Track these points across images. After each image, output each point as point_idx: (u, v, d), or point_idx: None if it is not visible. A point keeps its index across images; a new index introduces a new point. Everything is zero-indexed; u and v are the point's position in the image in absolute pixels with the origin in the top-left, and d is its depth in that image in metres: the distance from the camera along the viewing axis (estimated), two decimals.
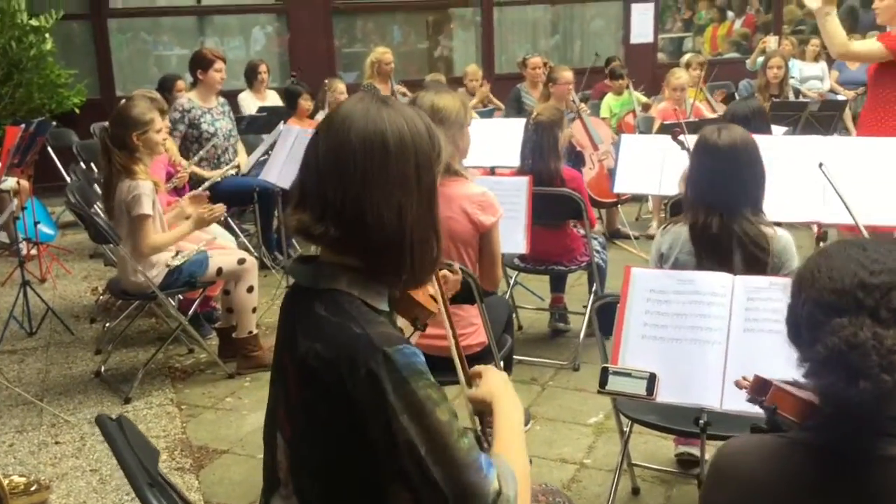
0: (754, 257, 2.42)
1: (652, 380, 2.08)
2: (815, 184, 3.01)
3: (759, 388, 1.45)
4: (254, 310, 4.21)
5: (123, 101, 4.16)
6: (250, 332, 4.21)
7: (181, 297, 4.49)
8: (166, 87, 6.15)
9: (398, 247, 1.39)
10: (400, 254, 1.39)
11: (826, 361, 1.19)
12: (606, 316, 2.41)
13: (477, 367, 1.66)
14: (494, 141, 4.65)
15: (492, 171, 4.83)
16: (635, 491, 2.96)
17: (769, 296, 2.08)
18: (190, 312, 4.21)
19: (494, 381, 1.60)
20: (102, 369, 4.17)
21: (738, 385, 1.68)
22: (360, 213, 1.36)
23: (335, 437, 1.37)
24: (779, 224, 2.53)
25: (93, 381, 4.12)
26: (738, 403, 1.89)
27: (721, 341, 2.09)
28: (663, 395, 2.09)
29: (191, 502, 1.53)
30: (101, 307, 5.00)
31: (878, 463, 1.21)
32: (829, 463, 1.24)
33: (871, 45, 4.27)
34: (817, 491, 1.24)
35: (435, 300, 1.64)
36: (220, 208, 4.10)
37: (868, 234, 2.63)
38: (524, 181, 3.69)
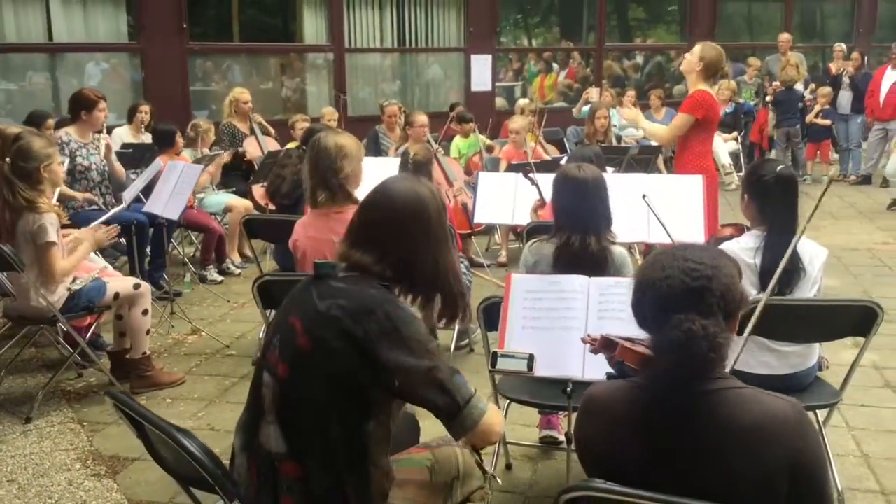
0: (601, 268, 3.08)
1: (531, 359, 2.66)
2: (639, 211, 3.78)
3: (608, 346, 2.02)
4: (147, 332, 4.50)
5: (15, 138, 4.34)
6: (144, 353, 4.48)
7: (65, 329, 4.67)
8: (34, 122, 6.25)
9: (432, 283, 2.07)
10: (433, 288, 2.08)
11: (670, 346, 1.68)
12: (490, 314, 3.00)
13: None
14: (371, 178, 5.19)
15: None
16: (508, 466, 3.55)
17: (616, 292, 2.73)
18: (87, 336, 4.44)
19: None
20: None
21: (583, 341, 2.18)
22: (411, 263, 2.00)
23: (338, 364, 1.89)
24: (612, 242, 3.21)
25: None
26: (596, 373, 2.49)
27: (581, 328, 2.72)
28: (540, 371, 2.67)
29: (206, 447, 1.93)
30: None
31: (700, 395, 1.72)
32: (667, 398, 1.74)
33: (678, 120, 5.10)
34: (660, 418, 1.74)
35: None
36: (114, 229, 4.37)
37: None
38: None
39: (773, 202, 3.14)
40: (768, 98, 11.23)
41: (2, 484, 3.47)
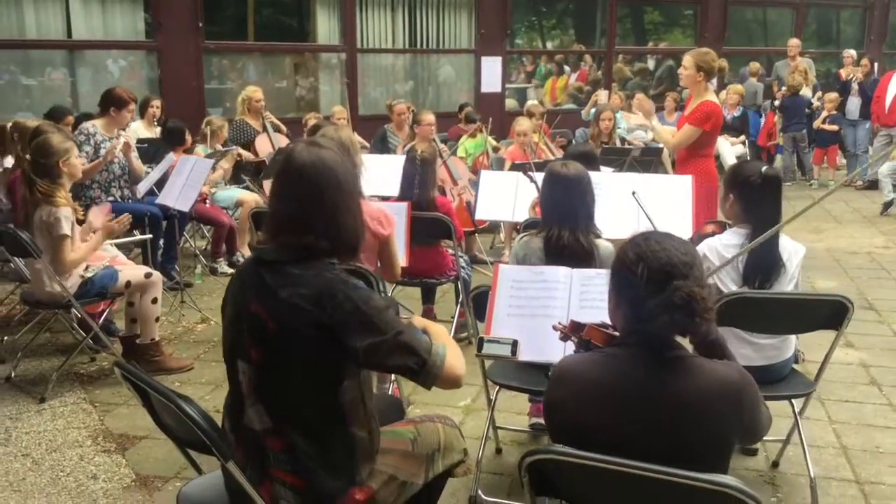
0: (585, 261, 3.23)
1: (515, 345, 2.81)
2: (630, 208, 3.93)
3: (576, 328, 2.20)
4: (157, 319, 4.68)
5: (34, 132, 4.55)
6: (153, 339, 4.67)
7: (79, 315, 4.86)
8: (55, 117, 6.45)
9: (356, 235, 2.15)
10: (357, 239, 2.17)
11: (667, 307, 1.83)
12: (479, 303, 3.15)
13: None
14: (378, 173, 5.37)
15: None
16: (498, 451, 3.71)
17: (597, 283, 2.88)
18: (100, 321, 4.63)
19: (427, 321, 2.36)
20: (12, 374, 4.51)
21: (554, 328, 2.35)
22: (340, 225, 2.10)
23: (309, 349, 2.02)
24: (597, 236, 3.36)
25: (3, 386, 4.45)
26: None
27: (564, 316, 2.86)
28: (523, 355, 2.83)
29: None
30: (1, 322, 5.28)
31: (664, 361, 1.89)
32: (636, 363, 1.90)
33: (684, 131, 5.21)
34: (627, 381, 1.89)
35: None
36: (125, 218, 4.55)
37: None
38: (403, 206, 4.41)
39: (759, 202, 3.27)
40: (776, 102, 11.34)
41: (17, 458, 3.66)
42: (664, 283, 1.85)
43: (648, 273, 1.87)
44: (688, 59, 5.14)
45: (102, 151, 5.75)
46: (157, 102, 7.53)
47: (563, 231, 3.23)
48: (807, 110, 11.11)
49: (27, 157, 4.30)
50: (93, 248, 4.41)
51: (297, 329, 2.01)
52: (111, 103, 5.88)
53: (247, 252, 7.12)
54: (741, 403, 1.88)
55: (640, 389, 1.88)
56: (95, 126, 5.87)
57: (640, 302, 1.87)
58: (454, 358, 2.15)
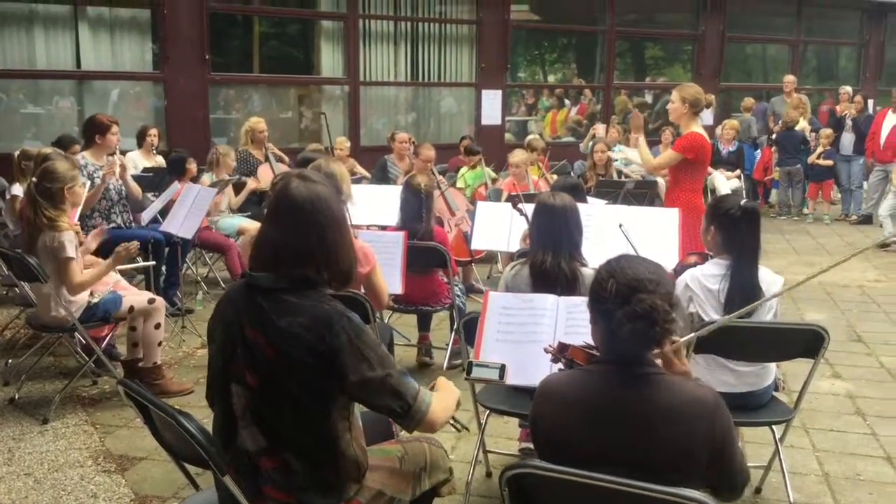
0: (569, 287, 3.35)
1: (503, 369, 2.92)
2: (617, 239, 4.06)
3: (562, 349, 2.34)
4: (159, 344, 4.80)
5: (43, 158, 4.71)
6: (155, 363, 4.77)
7: (83, 340, 4.96)
8: (62, 145, 6.61)
9: (349, 265, 2.27)
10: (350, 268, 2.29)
11: (631, 317, 1.96)
12: (470, 329, 3.27)
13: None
14: (377, 203, 5.54)
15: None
16: (488, 474, 3.80)
17: (582, 310, 2.97)
18: (103, 345, 4.74)
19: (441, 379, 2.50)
20: (16, 396, 4.62)
21: (545, 350, 2.50)
22: (333, 255, 2.21)
23: (306, 376, 2.12)
24: (583, 265, 3.48)
25: (8, 407, 4.56)
26: None
27: (550, 341, 2.97)
28: (511, 379, 2.94)
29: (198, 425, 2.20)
30: (6, 346, 5.40)
31: (636, 377, 2.02)
32: (610, 379, 2.03)
33: (665, 154, 5.41)
34: (602, 397, 2.01)
35: None
36: (133, 245, 4.67)
37: None
38: (400, 235, 4.54)
39: (739, 233, 3.40)
40: (773, 137, 11.53)
41: (20, 477, 3.76)
42: (630, 296, 1.99)
43: (617, 287, 2.01)
44: (675, 94, 5.33)
45: (97, 181, 5.89)
46: (154, 131, 7.69)
47: (546, 256, 3.36)
48: (801, 146, 11.29)
49: (33, 180, 4.43)
50: (102, 274, 4.53)
51: (295, 356, 2.12)
52: (94, 131, 5.97)
53: None
54: (712, 425, 1.97)
55: (612, 404, 2.01)
56: (85, 157, 5.97)
57: (610, 314, 2.00)
58: (440, 410, 2.26)
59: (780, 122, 11.48)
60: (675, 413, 1.95)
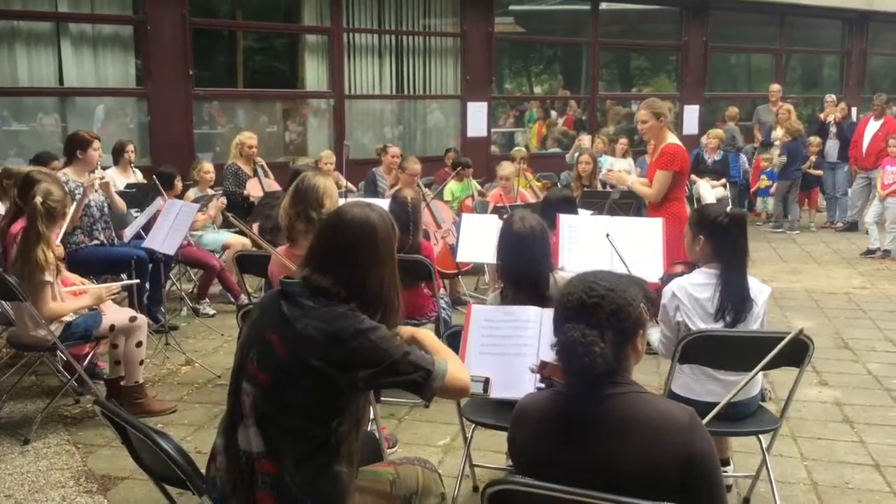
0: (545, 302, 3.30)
1: (487, 382, 2.87)
2: (604, 249, 4.05)
3: (543, 367, 2.31)
4: (141, 362, 4.74)
5: (25, 178, 4.65)
6: (137, 382, 4.72)
7: (64, 358, 4.91)
8: (40, 162, 6.53)
9: (377, 298, 2.30)
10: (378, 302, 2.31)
11: (561, 348, 1.99)
12: (453, 342, 3.23)
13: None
14: None
15: None
16: (475, 488, 3.76)
17: None
18: (84, 363, 4.68)
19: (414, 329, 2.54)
20: None
21: (532, 371, 2.48)
22: (363, 282, 2.25)
23: (314, 380, 2.14)
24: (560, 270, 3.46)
25: None
26: None
27: (533, 354, 2.95)
28: (495, 392, 2.89)
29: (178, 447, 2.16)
30: None
31: (605, 397, 1.97)
32: (578, 399, 2.01)
33: (658, 179, 5.41)
34: (571, 416, 2.00)
35: None
36: (116, 287, 4.67)
37: None
38: None
39: (728, 241, 3.39)
40: (756, 145, 11.57)
41: (0, 499, 3.69)
42: (560, 327, 2.00)
43: (562, 311, 2.03)
44: (644, 113, 5.41)
45: (77, 198, 5.84)
46: (131, 147, 7.61)
47: (508, 291, 3.35)
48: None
49: (38, 199, 4.36)
50: (78, 308, 4.50)
51: (305, 359, 2.13)
52: (76, 146, 5.89)
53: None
54: (684, 443, 1.89)
55: (580, 422, 1.98)
56: (66, 174, 5.86)
57: (557, 336, 2.01)
58: (456, 370, 2.34)
59: (768, 130, 11.48)
60: (641, 426, 1.91)
